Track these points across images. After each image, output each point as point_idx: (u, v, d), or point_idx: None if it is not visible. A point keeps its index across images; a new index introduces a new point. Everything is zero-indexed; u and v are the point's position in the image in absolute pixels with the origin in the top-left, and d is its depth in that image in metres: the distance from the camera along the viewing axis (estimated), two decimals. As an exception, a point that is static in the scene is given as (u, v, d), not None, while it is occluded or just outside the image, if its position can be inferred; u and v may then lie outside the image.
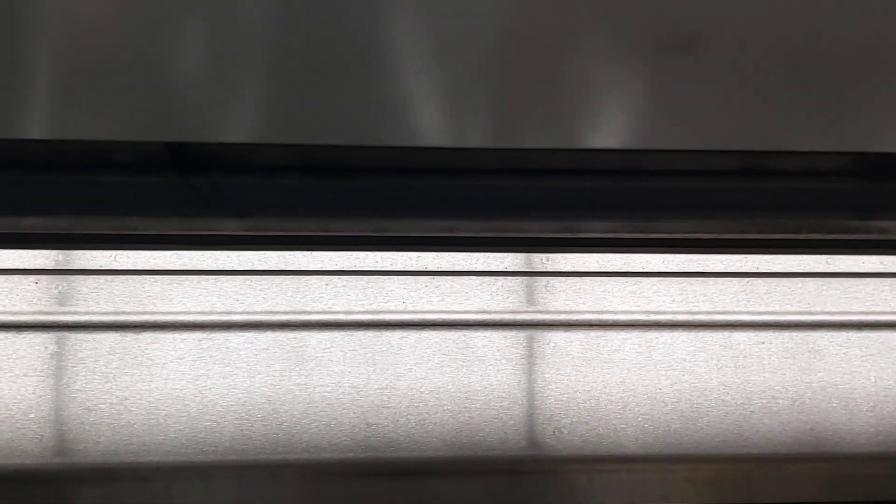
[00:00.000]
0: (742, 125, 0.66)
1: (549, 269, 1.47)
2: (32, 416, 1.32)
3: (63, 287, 1.38)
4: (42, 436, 1.32)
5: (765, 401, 1.42)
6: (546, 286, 1.46)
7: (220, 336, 1.38)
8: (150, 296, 1.39)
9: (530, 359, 1.43)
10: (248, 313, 1.40)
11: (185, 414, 1.34)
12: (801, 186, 1.02)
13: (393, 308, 1.43)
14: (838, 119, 0.66)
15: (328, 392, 1.37)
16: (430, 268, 1.46)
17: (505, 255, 1.48)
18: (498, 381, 1.41)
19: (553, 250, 1.48)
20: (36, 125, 0.62)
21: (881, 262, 1.52)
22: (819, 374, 1.44)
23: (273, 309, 1.40)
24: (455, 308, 1.44)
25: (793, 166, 0.92)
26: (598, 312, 1.45)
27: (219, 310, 1.39)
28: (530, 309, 1.45)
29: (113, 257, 1.41)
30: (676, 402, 1.42)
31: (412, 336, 1.42)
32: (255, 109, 0.59)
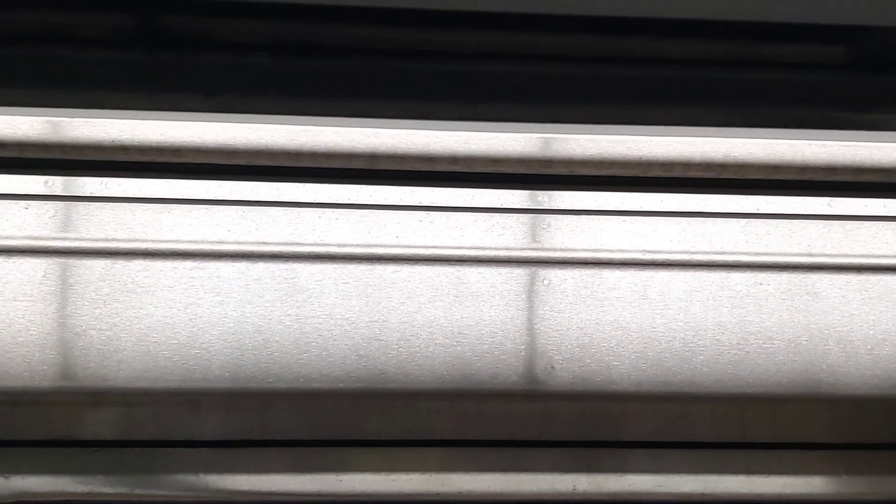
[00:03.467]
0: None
1: (546, 206, 1.45)
2: (21, 339, 1.32)
3: (53, 213, 1.37)
4: (31, 360, 1.31)
5: (761, 341, 1.41)
6: (542, 224, 1.44)
7: (211, 265, 1.37)
8: (140, 224, 1.38)
9: (524, 295, 1.41)
10: (239, 243, 1.38)
11: (175, 341, 1.33)
12: (792, 78, 1.01)
13: (386, 242, 1.41)
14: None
15: (319, 323, 1.37)
16: (425, 203, 1.44)
17: (500, 191, 1.46)
18: (490, 316, 1.40)
19: (549, 188, 1.47)
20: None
21: (884, 206, 1.49)
22: (817, 316, 1.43)
23: (265, 240, 1.39)
24: (449, 243, 1.42)
25: (783, 56, 0.89)
26: (594, 251, 1.43)
27: (210, 239, 1.38)
28: (525, 246, 1.43)
29: (104, 185, 1.39)
30: (671, 340, 1.40)
31: (405, 270, 1.40)
32: None
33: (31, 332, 1.32)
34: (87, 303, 1.34)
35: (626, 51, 1.29)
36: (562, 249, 1.43)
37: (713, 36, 1.22)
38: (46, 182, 1.38)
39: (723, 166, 1.45)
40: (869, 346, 1.41)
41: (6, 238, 1.35)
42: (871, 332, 1.42)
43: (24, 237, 1.36)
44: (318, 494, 1.37)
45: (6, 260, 1.34)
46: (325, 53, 1.18)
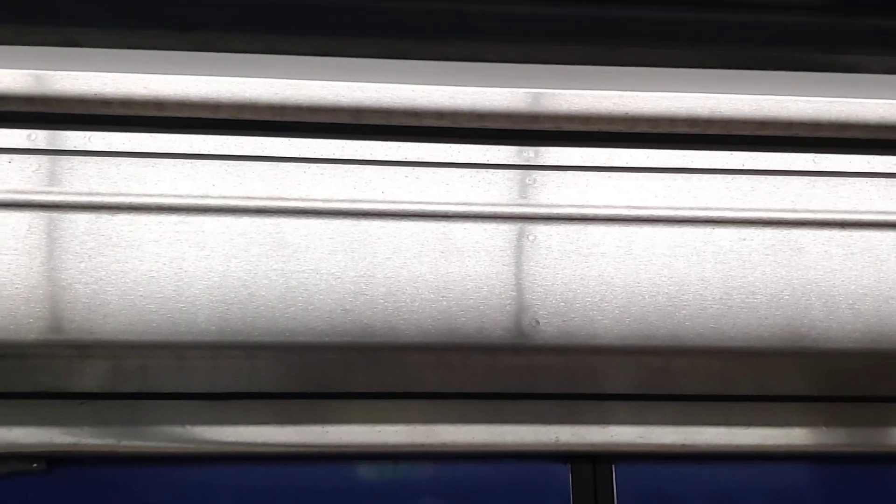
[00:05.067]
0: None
1: (532, 162, 1.45)
2: (6, 293, 1.32)
3: (36, 167, 1.36)
4: (16, 313, 1.31)
5: (744, 296, 1.42)
6: (527, 179, 1.45)
7: (195, 220, 1.37)
8: (124, 178, 1.37)
9: (509, 251, 1.42)
10: (224, 198, 1.38)
11: (160, 295, 1.33)
12: (769, 19, 1.00)
13: (372, 197, 1.41)
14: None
15: (305, 278, 1.37)
16: (410, 158, 1.44)
17: (486, 147, 1.46)
18: (476, 271, 1.40)
19: (533, 143, 1.47)
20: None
21: (868, 162, 1.50)
22: (799, 272, 1.44)
23: (249, 194, 1.39)
24: (435, 199, 1.42)
25: None
26: (579, 206, 1.44)
27: (194, 194, 1.38)
28: (511, 202, 1.43)
29: (87, 138, 1.38)
30: (655, 295, 1.41)
31: (391, 226, 1.41)
32: None
33: (17, 286, 1.32)
34: (72, 256, 1.34)
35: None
36: (547, 205, 1.43)
37: None
38: (29, 136, 1.37)
39: (708, 122, 1.45)
40: (850, 301, 1.42)
41: None
42: (853, 287, 1.43)
43: (8, 191, 1.35)
44: (304, 445, 1.39)
45: None
46: None
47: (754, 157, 1.47)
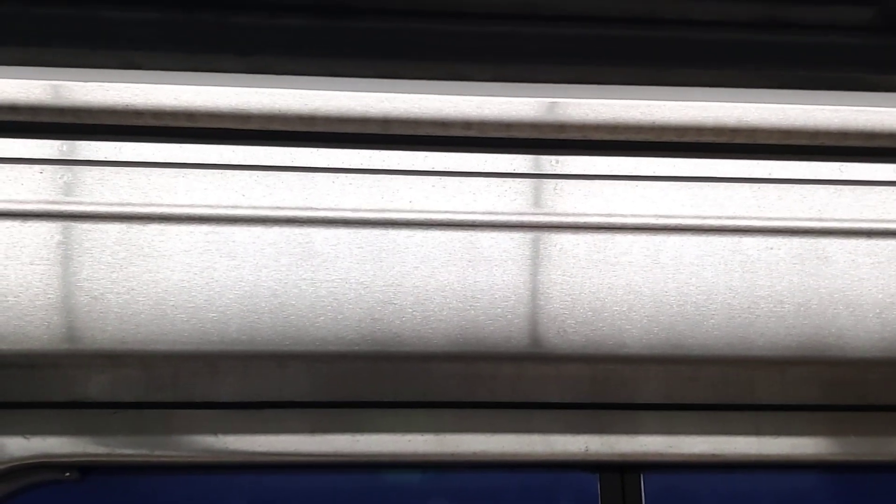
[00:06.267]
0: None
1: (559, 171, 1.45)
2: (39, 303, 1.33)
3: (68, 177, 1.37)
4: (49, 323, 1.32)
5: (771, 305, 1.42)
6: (554, 188, 1.45)
7: (226, 230, 1.38)
8: (155, 188, 1.38)
9: (536, 260, 1.42)
10: (254, 208, 1.39)
11: (192, 305, 1.34)
12: (821, 40, 1.00)
13: (399, 207, 1.42)
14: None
15: (334, 287, 1.37)
16: (438, 168, 1.44)
17: (513, 156, 1.46)
18: (503, 281, 1.41)
19: (560, 153, 1.47)
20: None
21: (894, 171, 1.50)
22: (826, 280, 1.44)
23: (279, 204, 1.39)
24: (462, 208, 1.43)
25: (813, 19, 0.89)
26: (606, 215, 1.44)
27: (225, 204, 1.38)
28: (538, 211, 1.44)
29: (118, 149, 1.39)
30: (682, 304, 1.41)
31: (418, 235, 1.41)
32: None
33: (49, 296, 1.33)
34: (103, 267, 1.34)
35: (643, 12, 1.29)
36: (574, 214, 1.43)
37: None
38: (61, 146, 1.38)
39: (735, 131, 1.45)
40: (877, 310, 1.42)
41: (22, 203, 1.36)
42: (880, 295, 1.43)
43: (40, 202, 1.36)
44: (334, 454, 1.39)
45: (22, 224, 1.35)
46: (361, 14, 1.17)
47: (781, 167, 1.47)
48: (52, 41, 1.32)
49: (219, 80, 1.40)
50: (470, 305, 1.39)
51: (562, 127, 1.44)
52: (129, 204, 1.37)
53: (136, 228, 1.36)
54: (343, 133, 1.43)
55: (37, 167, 1.37)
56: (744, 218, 1.45)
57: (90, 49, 1.37)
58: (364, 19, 1.34)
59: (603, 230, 1.43)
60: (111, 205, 1.37)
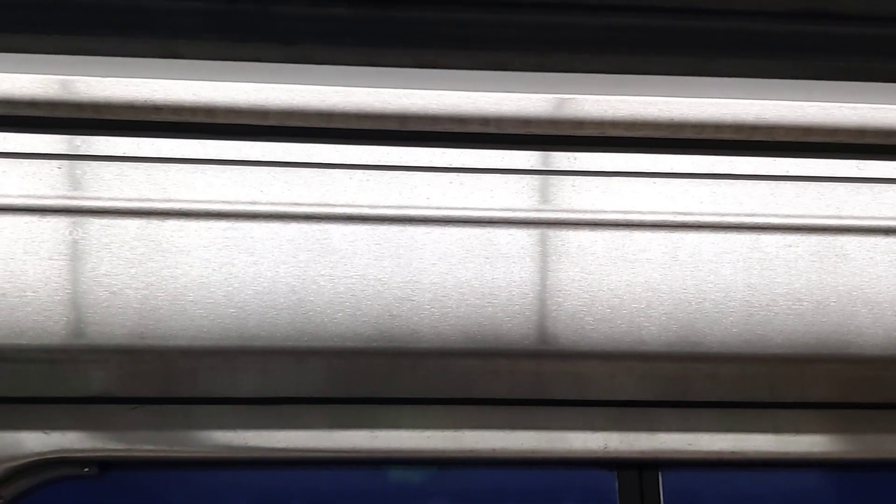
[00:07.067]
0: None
1: (577, 168, 1.45)
2: (58, 298, 1.33)
3: (86, 173, 1.37)
4: (68, 318, 1.32)
5: (790, 302, 1.42)
6: (572, 185, 1.45)
7: (244, 226, 1.38)
8: (173, 184, 1.38)
9: (554, 256, 1.42)
10: (272, 204, 1.39)
11: (211, 300, 1.34)
12: (862, 31, 1.00)
13: (417, 203, 1.41)
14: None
15: (352, 283, 1.37)
16: (455, 164, 1.44)
17: (531, 153, 1.46)
18: (521, 277, 1.40)
19: (578, 149, 1.47)
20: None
21: (913, 168, 1.50)
22: (845, 278, 1.44)
23: (297, 201, 1.39)
24: (479, 205, 1.43)
25: (854, 9, 0.90)
26: (624, 212, 1.44)
27: (243, 200, 1.38)
28: (555, 207, 1.44)
29: (137, 145, 1.39)
30: (701, 301, 1.41)
31: (436, 231, 1.41)
32: None
33: (68, 291, 1.33)
34: (122, 262, 1.34)
35: (663, 4, 1.29)
36: (592, 211, 1.43)
37: None
38: (80, 142, 1.38)
39: (753, 128, 1.45)
40: None
41: (40, 198, 1.36)
42: None
43: (58, 197, 1.36)
44: (353, 451, 1.39)
45: (41, 219, 1.35)
46: (410, 4, 1.17)
47: (799, 164, 1.47)
48: (69, 34, 1.32)
49: (237, 77, 1.40)
50: (487, 302, 1.39)
51: (579, 123, 1.44)
52: (147, 199, 1.37)
53: (154, 224, 1.36)
54: (360, 129, 1.43)
55: (55, 162, 1.37)
56: (762, 215, 1.45)
57: (109, 44, 1.37)
58: (346, 6, 1.33)
59: (621, 227, 1.43)
60: (130, 200, 1.37)
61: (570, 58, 1.40)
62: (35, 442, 1.35)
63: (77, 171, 1.37)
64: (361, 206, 1.40)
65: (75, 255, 1.34)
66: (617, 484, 1.44)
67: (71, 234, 1.35)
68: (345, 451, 1.39)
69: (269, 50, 1.19)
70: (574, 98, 1.43)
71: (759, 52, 1.37)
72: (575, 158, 1.45)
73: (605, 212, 1.43)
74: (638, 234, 1.43)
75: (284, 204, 1.39)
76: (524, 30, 1.26)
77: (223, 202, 1.38)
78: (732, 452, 1.44)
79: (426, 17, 1.25)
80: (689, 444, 1.43)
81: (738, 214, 1.44)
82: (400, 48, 1.14)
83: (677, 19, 1.29)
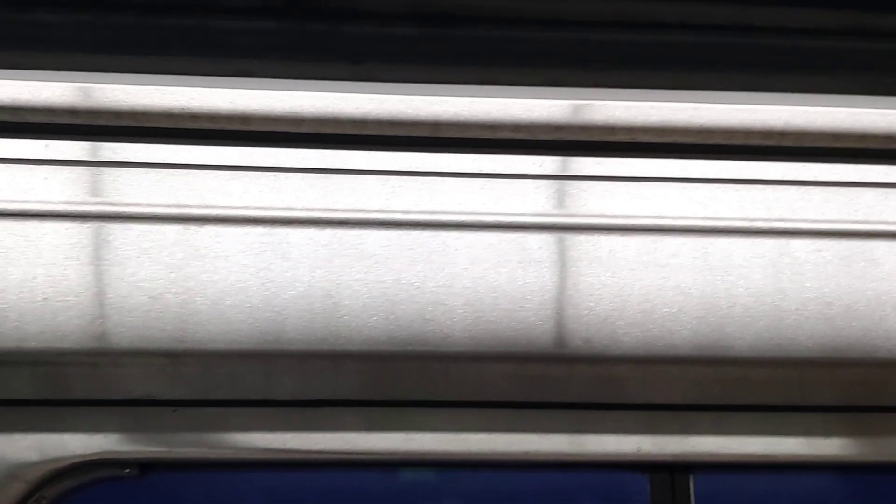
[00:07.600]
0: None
1: (608, 174, 1.47)
2: (99, 302, 1.35)
3: (126, 179, 1.40)
4: (108, 322, 1.34)
5: (820, 307, 1.43)
6: (603, 190, 1.46)
7: (281, 231, 1.40)
8: (210, 190, 1.40)
9: (586, 261, 1.43)
10: (307, 210, 1.41)
11: (248, 305, 1.36)
12: (870, 45, 1.01)
13: (449, 209, 1.43)
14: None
15: (387, 288, 1.39)
16: (486, 170, 1.46)
17: (562, 158, 1.48)
18: (553, 282, 1.42)
19: (609, 155, 1.48)
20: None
21: (942, 175, 1.50)
22: (874, 283, 1.44)
23: (332, 206, 1.41)
24: (511, 210, 1.44)
25: (860, 23, 0.91)
26: (655, 217, 1.45)
27: (279, 206, 1.40)
28: (586, 213, 1.45)
29: (175, 152, 1.41)
30: (731, 306, 1.42)
31: (468, 236, 1.43)
32: None
33: (109, 296, 1.35)
34: (161, 267, 1.37)
35: (694, 17, 1.31)
36: (623, 216, 1.45)
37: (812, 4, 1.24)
38: (119, 149, 1.40)
39: (783, 134, 1.47)
40: None
41: (80, 204, 1.38)
42: None
43: (98, 203, 1.38)
44: (389, 453, 1.41)
45: (81, 225, 1.37)
46: (471, 22, 1.20)
47: (828, 169, 1.48)
48: (113, 48, 1.36)
49: (271, 85, 1.43)
50: (520, 306, 1.41)
51: (611, 130, 1.46)
52: (185, 206, 1.39)
53: (192, 230, 1.38)
54: (393, 136, 1.45)
55: (94, 170, 1.40)
56: (791, 220, 1.46)
57: (148, 55, 1.40)
58: (412, 26, 1.37)
59: (651, 232, 1.44)
60: (168, 206, 1.39)
61: (600, 72, 1.42)
62: (78, 444, 1.37)
63: (117, 178, 1.40)
64: (395, 211, 1.42)
65: (116, 260, 1.37)
66: (649, 487, 1.45)
67: (111, 239, 1.37)
68: (381, 454, 1.41)
69: (281, 66, 1.22)
70: (605, 104, 1.45)
71: (787, 65, 1.39)
72: (605, 164, 1.47)
73: (636, 217, 1.45)
74: (668, 239, 1.44)
75: (319, 210, 1.41)
76: (568, 46, 1.29)
77: (259, 208, 1.40)
78: (763, 455, 1.45)
79: (464, 35, 1.28)
80: (720, 447, 1.44)
81: (767, 219, 1.46)
82: (464, 65, 1.16)
83: (709, 35, 1.31)
